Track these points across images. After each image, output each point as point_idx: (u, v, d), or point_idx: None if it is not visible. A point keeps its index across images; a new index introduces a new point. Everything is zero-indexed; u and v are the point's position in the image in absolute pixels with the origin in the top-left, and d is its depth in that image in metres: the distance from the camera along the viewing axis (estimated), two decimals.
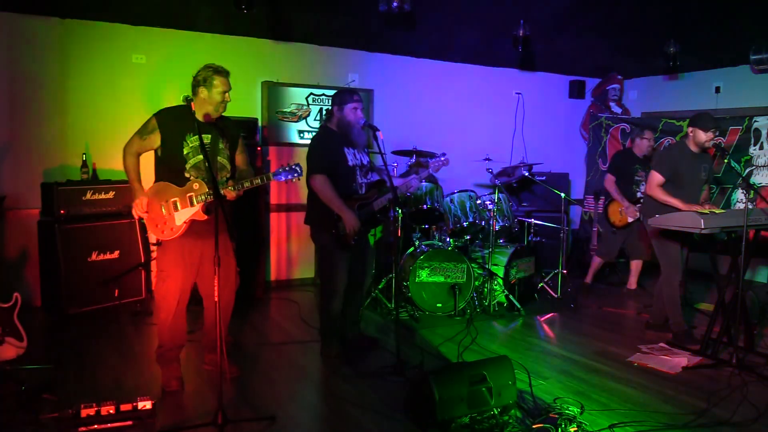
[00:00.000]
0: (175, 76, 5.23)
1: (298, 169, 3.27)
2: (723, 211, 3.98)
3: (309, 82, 5.95)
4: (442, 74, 6.73)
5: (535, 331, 4.71)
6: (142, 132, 3.25)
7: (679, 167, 4.23)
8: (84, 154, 4.96)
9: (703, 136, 4.17)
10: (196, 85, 3.24)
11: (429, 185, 5.12)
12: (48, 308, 4.70)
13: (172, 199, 3.20)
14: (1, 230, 4.78)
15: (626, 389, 3.48)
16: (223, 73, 3.26)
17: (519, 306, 5.08)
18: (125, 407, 2.90)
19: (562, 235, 5.70)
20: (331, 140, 3.79)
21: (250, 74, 5.72)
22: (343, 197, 3.68)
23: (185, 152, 3.21)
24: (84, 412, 2.83)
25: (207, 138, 3.23)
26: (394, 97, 6.45)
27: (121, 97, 5.17)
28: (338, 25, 5.62)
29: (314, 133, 4.18)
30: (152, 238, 3.31)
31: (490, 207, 5.14)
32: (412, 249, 5.20)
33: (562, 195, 5.60)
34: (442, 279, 4.97)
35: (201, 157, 3.19)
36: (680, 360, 3.93)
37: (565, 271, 5.68)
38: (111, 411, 2.87)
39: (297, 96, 5.92)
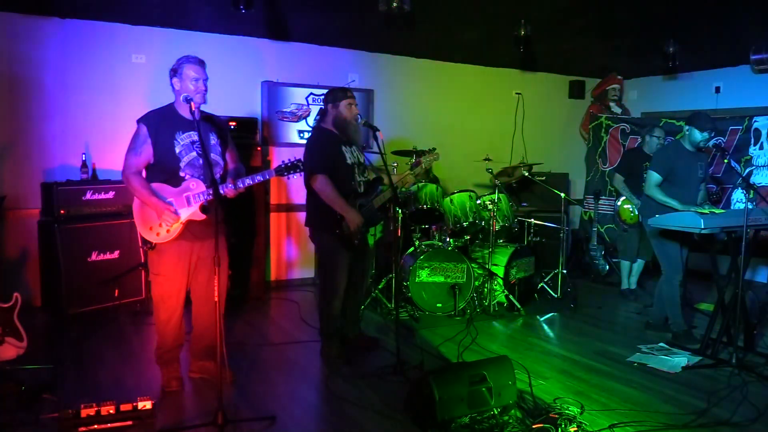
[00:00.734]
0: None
1: (299, 164, 3.21)
2: (723, 211, 3.98)
3: (309, 82, 5.96)
4: (442, 74, 6.73)
5: (535, 331, 4.71)
6: (136, 147, 3.15)
7: (675, 166, 4.24)
8: (84, 154, 4.96)
9: (698, 136, 4.18)
10: (170, 77, 3.20)
11: (429, 185, 5.12)
12: (48, 308, 4.70)
13: (168, 200, 3.15)
14: (1, 230, 4.78)
15: (626, 389, 3.48)
16: (194, 61, 3.19)
17: (519, 306, 5.08)
18: (125, 407, 2.90)
19: (562, 235, 5.70)
20: (328, 139, 3.78)
21: (250, 74, 5.73)
22: (343, 196, 3.68)
23: (177, 150, 3.15)
24: (84, 412, 2.83)
25: (197, 135, 3.14)
26: (394, 97, 6.45)
27: (121, 97, 5.17)
28: (338, 25, 5.62)
29: (310, 135, 4.18)
30: (153, 237, 3.24)
31: (490, 207, 5.14)
32: (412, 249, 5.20)
33: (562, 195, 5.59)
34: (442, 279, 4.97)
35: (194, 154, 3.15)
36: (680, 360, 3.93)
37: (565, 271, 5.68)
38: (111, 411, 2.87)
39: (297, 96, 5.93)
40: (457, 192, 5.28)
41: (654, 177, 4.26)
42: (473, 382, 2.96)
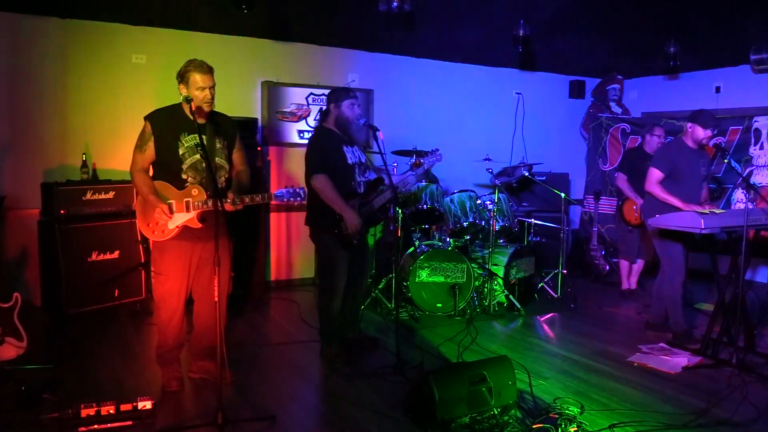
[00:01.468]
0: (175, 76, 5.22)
1: (301, 193, 3.19)
2: (723, 211, 3.98)
3: (309, 82, 5.95)
4: (442, 74, 6.73)
5: (535, 331, 4.70)
6: (141, 144, 3.16)
7: (677, 163, 4.23)
8: (84, 154, 4.96)
9: (701, 133, 4.18)
10: (178, 81, 3.17)
11: (429, 185, 5.12)
12: (48, 308, 4.70)
13: (168, 201, 3.14)
14: (1, 230, 4.77)
15: (626, 389, 3.48)
16: (203, 68, 3.12)
17: (519, 306, 5.08)
18: (125, 407, 2.90)
19: (562, 235, 5.70)
20: (329, 139, 3.78)
21: (250, 74, 5.73)
22: (343, 196, 3.68)
23: (181, 152, 3.14)
24: (84, 412, 2.83)
25: (203, 138, 3.12)
26: (394, 97, 6.45)
27: (121, 97, 5.17)
28: (338, 25, 5.62)
29: (311, 134, 4.20)
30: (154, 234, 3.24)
31: (490, 207, 5.14)
32: (412, 249, 5.20)
33: (562, 195, 5.59)
34: (442, 279, 4.97)
35: (197, 156, 3.14)
36: (680, 360, 3.93)
37: (565, 271, 5.68)
38: (111, 411, 2.87)
39: (297, 96, 5.92)
40: (457, 192, 5.28)
41: (655, 174, 4.26)
42: (473, 382, 2.96)
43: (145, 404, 2.94)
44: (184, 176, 3.16)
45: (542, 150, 7.14)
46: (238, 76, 5.64)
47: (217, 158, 3.25)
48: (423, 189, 5.09)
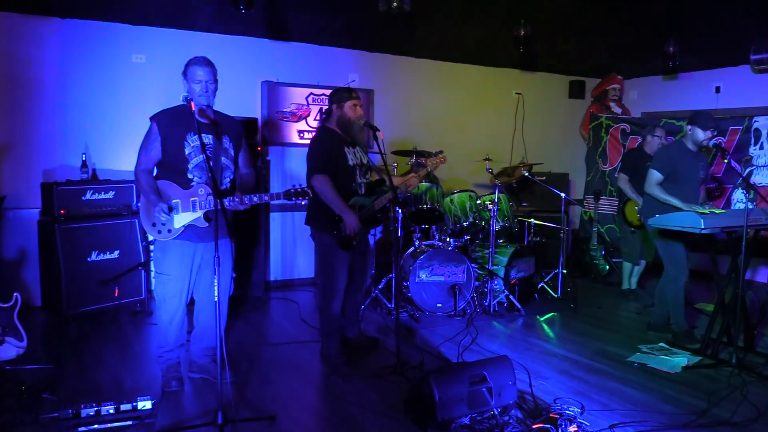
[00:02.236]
0: (175, 76, 5.18)
1: (308, 192, 3.20)
2: (723, 211, 3.98)
3: (309, 82, 5.95)
4: (442, 74, 6.73)
5: (535, 331, 4.70)
6: (147, 145, 3.18)
7: (677, 165, 4.23)
8: (84, 154, 4.96)
9: (701, 135, 4.18)
10: (183, 79, 3.21)
11: (429, 185, 5.12)
12: (48, 308, 4.70)
13: (174, 200, 3.16)
14: (1, 230, 4.78)
15: (626, 389, 3.48)
16: (202, 62, 3.18)
17: (519, 306, 5.08)
18: (125, 407, 2.91)
19: (562, 235, 5.70)
20: (331, 140, 3.78)
21: (250, 74, 5.72)
22: (343, 197, 3.68)
23: (187, 152, 3.16)
24: (84, 412, 2.84)
25: (208, 138, 3.17)
26: (394, 97, 6.45)
27: (121, 97, 5.17)
28: (338, 25, 5.62)
29: (313, 134, 4.20)
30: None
31: (490, 207, 5.14)
32: (412, 249, 5.20)
33: (562, 195, 5.59)
34: (442, 279, 4.97)
35: (203, 156, 3.14)
36: (680, 360, 3.93)
37: (565, 271, 5.68)
38: (111, 411, 2.88)
39: (297, 96, 5.92)
40: (457, 192, 5.28)
41: (655, 175, 4.26)
42: (473, 382, 2.96)
43: (145, 404, 2.94)
44: (190, 176, 3.17)
45: (542, 150, 7.14)
46: (238, 76, 5.64)
47: (222, 158, 3.25)
48: (423, 189, 5.09)
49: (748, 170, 5.81)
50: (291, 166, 5.91)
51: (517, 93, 7.16)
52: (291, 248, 6.04)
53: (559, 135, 7.61)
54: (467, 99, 6.89)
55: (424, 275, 4.95)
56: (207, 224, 3.18)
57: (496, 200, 5.13)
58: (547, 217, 5.91)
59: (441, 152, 4.20)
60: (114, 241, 4.72)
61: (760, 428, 3.01)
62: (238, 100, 5.65)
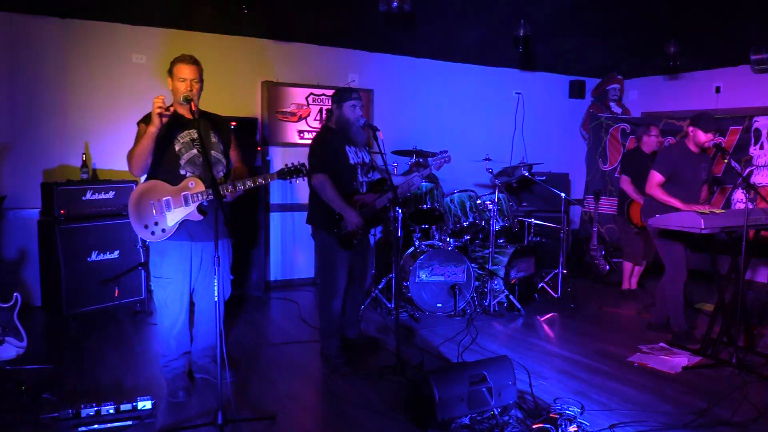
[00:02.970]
0: None
1: (302, 168, 3.18)
2: (723, 211, 3.99)
3: (309, 82, 5.95)
4: (442, 74, 6.73)
5: (535, 331, 4.71)
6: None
7: (678, 167, 4.24)
8: (84, 154, 4.96)
9: (702, 137, 4.18)
10: (168, 77, 3.20)
11: (429, 185, 5.12)
12: (48, 308, 4.70)
13: (165, 198, 3.09)
14: (1, 230, 4.78)
15: (626, 389, 3.48)
16: (186, 60, 3.17)
17: (519, 306, 5.08)
18: (125, 407, 2.91)
19: (562, 235, 5.70)
20: (332, 139, 3.79)
21: (250, 74, 5.73)
22: (344, 196, 3.68)
23: (177, 149, 3.13)
24: (84, 412, 2.84)
25: (195, 134, 3.13)
26: (394, 97, 6.45)
27: (121, 97, 5.17)
28: (338, 25, 5.62)
29: (315, 133, 4.20)
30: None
31: (490, 207, 5.14)
32: (412, 249, 5.20)
33: (562, 195, 5.59)
34: (442, 279, 4.97)
35: (195, 151, 3.13)
36: (680, 360, 3.93)
37: (565, 271, 5.68)
38: (111, 411, 2.88)
39: (297, 96, 5.92)
40: (457, 192, 5.28)
41: (656, 176, 4.26)
42: (473, 382, 2.96)
43: (145, 404, 2.94)
44: (182, 172, 3.14)
45: (542, 150, 7.14)
46: (238, 76, 5.64)
47: (213, 152, 3.22)
48: (423, 189, 5.09)
49: (748, 170, 5.81)
50: None
51: (517, 93, 7.16)
52: (291, 248, 6.04)
53: (559, 135, 7.61)
54: (467, 99, 6.89)
55: (424, 275, 4.95)
56: (201, 217, 3.12)
57: (496, 200, 5.13)
58: (547, 217, 5.91)
59: (445, 151, 4.19)
60: (114, 241, 4.72)
61: (760, 428, 3.01)
62: (238, 100, 5.65)
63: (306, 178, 3.30)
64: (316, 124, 5.98)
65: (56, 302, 4.52)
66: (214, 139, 3.26)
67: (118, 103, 5.16)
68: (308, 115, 5.99)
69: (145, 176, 3.21)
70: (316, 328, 4.27)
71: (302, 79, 5.93)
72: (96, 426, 2.83)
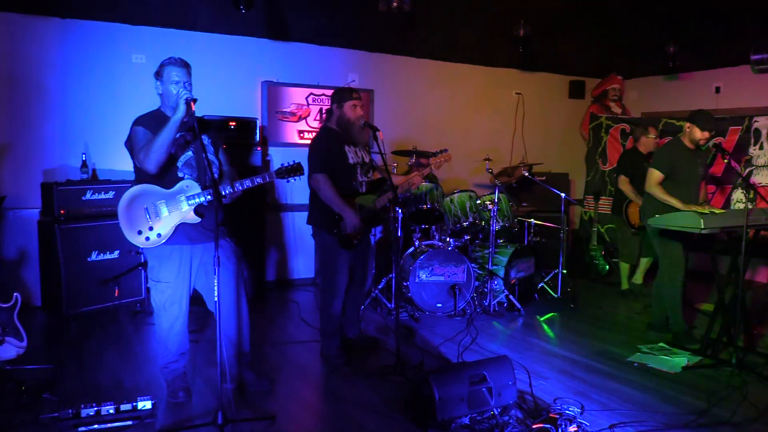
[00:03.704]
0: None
1: (300, 167, 3.16)
2: (723, 211, 3.98)
3: (309, 82, 5.95)
4: (442, 74, 6.73)
5: (535, 331, 4.70)
6: (143, 146, 3.06)
7: (676, 163, 4.24)
8: (84, 154, 4.96)
9: (698, 134, 4.18)
10: (155, 80, 3.11)
11: (429, 185, 5.12)
12: (48, 308, 4.70)
13: (159, 201, 3.01)
14: (1, 230, 4.78)
15: (626, 389, 3.48)
16: (178, 63, 3.07)
17: (519, 306, 5.08)
18: (125, 407, 2.91)
19: (562, 235, 5.70)
20: (331, 139, 3.79)
21: (250, 74, 5.72)
22: (344, 196, 3.68)
23: (173, 150, 3.05)
24: (84, 412, 2.84)
25: (190, 136, 3.10)
26: (394, 97, 6.45)
27: (121, 97, 5.17)
28: (338, 25, 5.62)
29: (315, 133, 4.21)
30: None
31: (490, 207, 5.14)
32: (412, 249, 5.20)
33: (562, 195, 5.59)
34: (442, 279, 4.97)
35: (190, 153, 3.09)
36: (680, 360, 3.93)
37: (565, 271, 5.68)
38: (111, 411, 2.88)
39: (297, 96, 5.92)
40: (457, 192, 5.28)
41: (655, 174, 4.26)
42: (473, 382, 2.96)
43: (145, 404, 2.94)
44: (179, 174, 3.08)
45: (542, 150, 7.14)
46: (238, 76, 5.64)
47: (208, 154, 3.17)
48: (423, 189, 5.09)
49: (748, 170, 5.81)
50: None
51: (517, 93, 7.16)
52: (291, 248, 6.04)
53: (559, 135, 7.61)
54: (467, 99, 6.89)
55: (424, 275, 4.95)
56: (199, 219, 3.06)
57: (496, 200, 5.13)
58: (547, 217, 5.90)
59: (446, 150, 4.18)
60: (114, 241, 4.72)
61: (760, 428, 3.01)
62: (238, 100, 5.65)
63: (303, 177, 3.29)
64: (316, 124, 5.98)
65: (56, 302, 4.52)
66: (205, 141, 3.20)
67: (118, 103, 5.15)
68: (308, 115, 5.99)
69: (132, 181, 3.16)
70: (316, 328, 4.27)
71: (302, 79, 5.93)
72: (96, 426, 2.83)
